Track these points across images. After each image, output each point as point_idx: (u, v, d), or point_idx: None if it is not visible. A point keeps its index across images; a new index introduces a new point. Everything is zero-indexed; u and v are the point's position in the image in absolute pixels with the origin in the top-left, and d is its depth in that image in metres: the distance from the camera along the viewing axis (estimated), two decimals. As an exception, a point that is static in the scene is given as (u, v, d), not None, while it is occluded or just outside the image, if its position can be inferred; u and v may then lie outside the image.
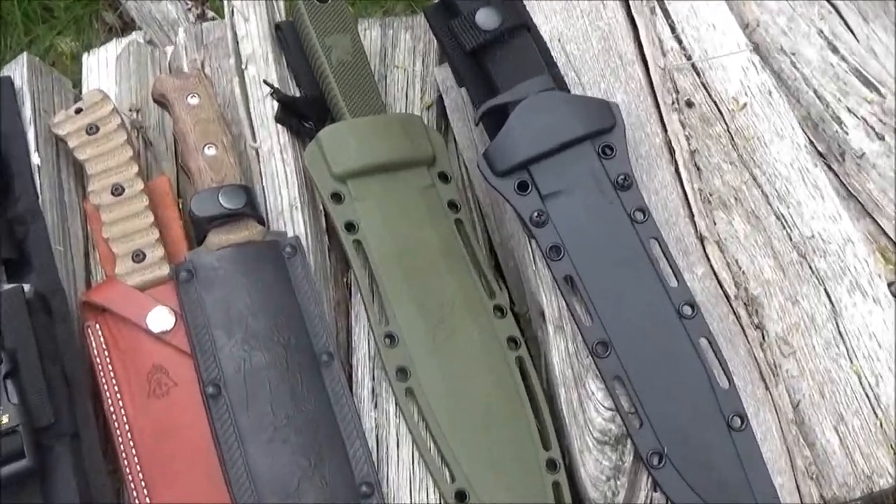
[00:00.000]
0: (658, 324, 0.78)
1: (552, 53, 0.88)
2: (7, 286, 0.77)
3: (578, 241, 0.79)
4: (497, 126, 0.82)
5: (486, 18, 0.81)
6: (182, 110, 0.87)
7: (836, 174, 1.04)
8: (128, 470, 0.75)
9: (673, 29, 1.03)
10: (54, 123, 0.87)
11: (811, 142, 1.05)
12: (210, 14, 2.22)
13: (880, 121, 1.07)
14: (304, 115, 0.89)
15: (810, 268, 0.91)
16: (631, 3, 0.92)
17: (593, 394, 0.78)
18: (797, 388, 0.86)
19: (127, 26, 2.25)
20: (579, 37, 0.91)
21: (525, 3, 0.89)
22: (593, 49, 0.90)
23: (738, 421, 0.76)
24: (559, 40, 0.90)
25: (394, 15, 0.99)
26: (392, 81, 0.98)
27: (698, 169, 0.90)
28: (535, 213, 0.80)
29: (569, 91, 0.87)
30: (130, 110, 0.95)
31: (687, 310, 0.79)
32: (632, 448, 0.76)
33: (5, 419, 0.69)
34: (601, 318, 0.78)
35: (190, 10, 2.21)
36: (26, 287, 0.77)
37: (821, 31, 1.14)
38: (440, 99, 0.95)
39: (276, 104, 0.89)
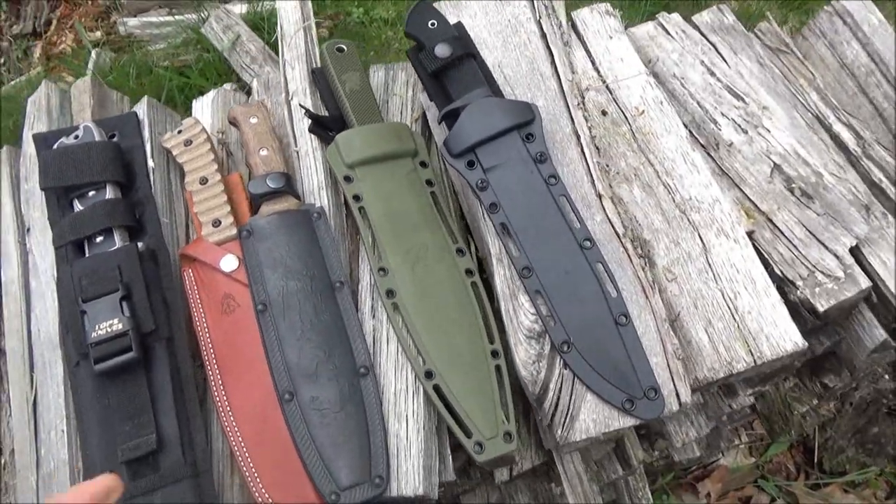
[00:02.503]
0: (566, 253, 0.77)
1: (494, 75, 0.88)
2: (127, 243, 0.80)
3: (509, 199, 0.79)
4: (453, 124, 0.83)
5: (441, 50, 0.82)
6: (246, 126, 0.90)
7: (713, 159, 1.01)
8: (207, 363, 0.77)
9: (593, 63, 1.03)
10: (163, 140, 0.90)
11: (695, 137, 1.03)
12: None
13: (745, 120, 1.04)
14: (328, 127, 0.90)
15: (688, 220, 0.89)
16: (548, 37, 0.92)
17: (522, 304, 0.77)
18: (678, 303, 0.84)
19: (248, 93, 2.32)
20: (513, 63, 0.91)
21: (475, 41, 0.90)
22: (523, 71, 0.90)
23: (624, 319, 0.75)
24: (499, 66, 0.90)
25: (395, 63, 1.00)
26: (393, 104, 0.99)
27: (598, 149, 0.89)
28: (479, 181, 0.80)
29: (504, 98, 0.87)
30: (218, 132, 0.98)
31: (587, 243, 0.78)
32: (548, 340, 0.75)
33: (120, 326, 0.72)
34: (525, 251, 0.78)
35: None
36: (139, 244, 0.80)
37: (702, 62, 1.12)
38: (424, 114, 0.96)
39: (309, 121, 0.91)
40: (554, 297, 0.75)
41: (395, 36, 2.46)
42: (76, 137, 0.86)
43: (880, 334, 0.91)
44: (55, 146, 0.86)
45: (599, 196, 0.82)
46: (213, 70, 2.35)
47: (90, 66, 2.33)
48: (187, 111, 2.25)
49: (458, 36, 0.84)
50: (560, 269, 0.76)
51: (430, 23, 0.84)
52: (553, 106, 0.87)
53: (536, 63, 0.90)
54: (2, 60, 2.57)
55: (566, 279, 0.76)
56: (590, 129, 0.87)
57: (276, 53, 2.32)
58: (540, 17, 0.91)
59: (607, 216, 0.81)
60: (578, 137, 0.85)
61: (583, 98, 0.91)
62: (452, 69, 0.83)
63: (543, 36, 0.91)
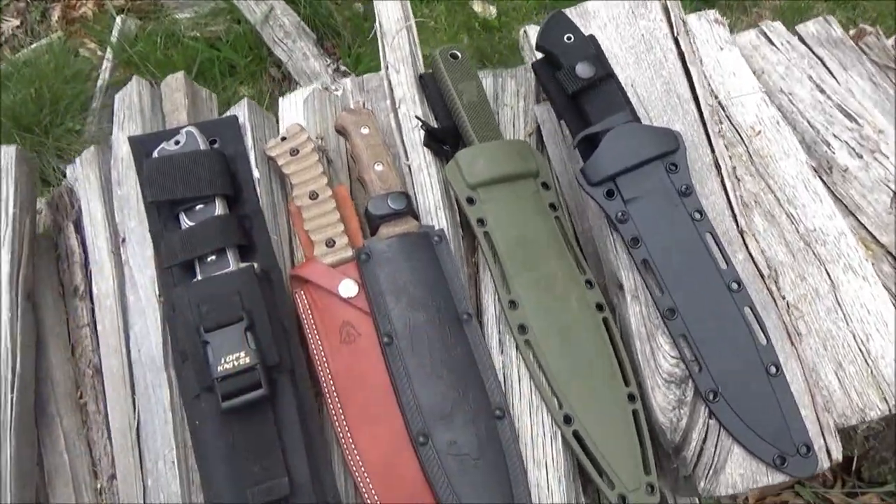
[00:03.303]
0: (713, 295, 0.73)
1: (627, 94, 0.82)
2: (242, 265, 0.75)
3: (652, 234, 0.74)
4: (587, 149, 0.77)
5: (583, 70, 0.76)
6: (357, 138, 0.84)
7: (825, 184, 0.97)
8: (327, 394, 0.72)
9: (704, 76, 0.97)
10: (267, 148, 0.84)
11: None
12: (343, 68, 2.19)
13: (859, 144, 0.99)
14: (443, 141, 0.85)
15: (814, 253, 0.85)
16: (685, 56, 0.86)
17: (661, 346, 0.73)
18: (807, 343, 0.80)
19: (286, 78, 2.23)
20: (647, 83, 0.85)
21: (607, 57, 0.84)
22: (658, 91, 0.84)
23: (774, 369, 0.71)
24: (632, 85, 0.84)
25: (503, 69, 0.94)
26: (503, 115, 0.93)
27: (738, 180, 0.84)
28: (619, 213, 0.75)
29: (641, 123, 0.81)
30: (317, 137, 0.92)
31: (735, 286, 0.74)
32: (692, 387, 0.71)
33: (248, 360, 0.67)
34: (670, 291, 0.73)
35: (329, 66, 2.19)
36: (255, 265, 0.75)
37: (810, 77, 1.06)
38: (538, 129, 0.90)
39: (423, 133, 0.85)
40: (700, 342, 0.71)
41: (430, 14, 2.37)
42: (177, 143, 0.80)
43: None
44: (156, 153, 0.79)
45: (742, 233, 0.78)
46: (245, 43, 2.26)
47: (115, 33, 2.23)
48: (223, 89, 2.16)
49: (599, 54, 0.78)
50: (707, 313, 0.72)
51: (566, 37, 0.78)
52: (692, 132, 0.82)
53: (673, 84, 0.84)
54: (19, 22, 2.45)
55: (714, 324, 0.72)
56: (730, 158, 0.82)
57: (311, 28, 2.22)
58: (678, 33, 0.85)
59: (750, 255, 0.77)
60: (719, 168, 0.80)
61: (722, 124, 0.85)
62: (592, 90, 0.77)
63: (681, 54, 0.85)
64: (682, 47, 0.85)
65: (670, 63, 0.85)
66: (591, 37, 0.80)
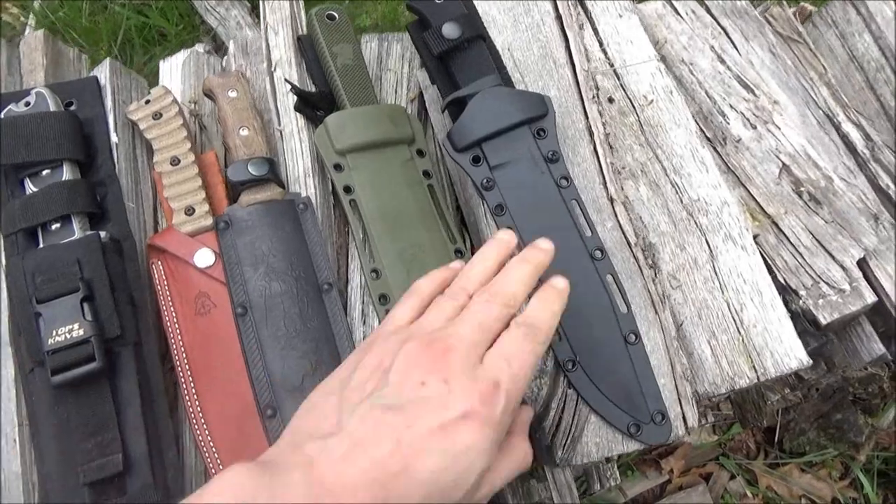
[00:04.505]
0: (575, 263, 0.71)
1: (503, 59, 0.80)
2: (88, 233, 0.71)
3: (517, 201, 0.72)
4: (458, 113, 0.74)
5: (449, 30, 0.73)
6: (224, 101, 0.80)
7: (719, 154, 0.96)
8: (179, 369, 0.70)
9: (601, 44, 0.94)
10: (129, 111, 0.80)
11: (702, 130, 0.97)
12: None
13: (754, 114, 0.98)
14: (316, 106, 0.81)
15: (695, 223, 0.84)
16: (564, 21, 0.83)
17: (526, 316, 0.71)
18: (682, 312, 0.79)
19: (219, 48, 2.15)
20: (524, 46, 0.82)
21: (483, 20, 0.81)
22: (534, 56, 0.82)
23: (633, 337, 0.70)
24: (508, 49, 0.81)
25: (390, 33, 0.90)
26: (386, 81, 0.89)
27: (611, 147, 0.82)
28: (485, 180, 0.73)
29: (514, 88, 0.79)
30: (190, 101, 0.88)
31: (598, 253, 0.72)
32: (552, 356, 0.70)
33: (81, 332, 0.64)
34: (532, 259, 0.71)
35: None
36: (102, 234, 0.71)
37: (712, 47, 1.05)
38: (421, 94, 0.87)
39: (295, 97, 0.81)
40: (561, 311, 0.69)
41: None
42: (27, 105, 0.75)
43: (878, 348, 0.89)
44: (2, 115, 0.74)
45: (611, 200, 0.76)
46: (175, 10, 2.17)
47: (38, -2, 2.12)
48: (149, 58, 2.08)
49: (468, 14, 0.75)
50: (569, 281, 0.70)
51: (436, -3, 0.75)
52: (566, 97, 0.80)
53: (550, 48, 0.81)
54: (-61, -16, 2.33)
55: (575, 292, 0.69)
56: (604, 125, 0.80)
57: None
58: (555, -4, 0.83)
59: (619, 223, 0.75)
60: (592, 134, 0.78)
61: (597, 90, 0.83)
62: (460, 52, 0.74)
63: (559, 18, 0.82)
64: (560, 10, 0.82)
65: (547, 27, 0.82)
66: (467, -2, 0.77)
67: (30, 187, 0.72)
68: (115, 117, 0.80)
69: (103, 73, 0.83)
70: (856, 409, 1.51)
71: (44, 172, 0.72)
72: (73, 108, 0.78)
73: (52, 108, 0.75)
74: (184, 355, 0.70)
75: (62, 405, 0.63)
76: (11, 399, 0.69)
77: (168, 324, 0.71)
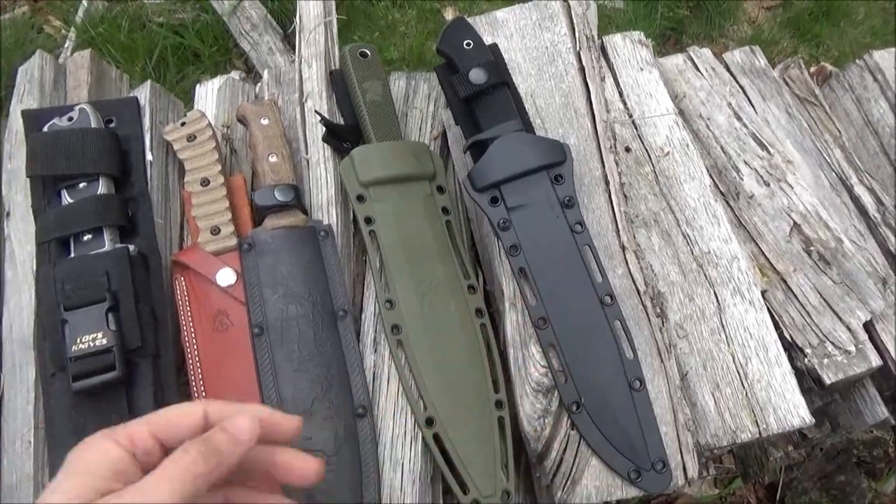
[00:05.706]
0: (585, 307, 0.73)
1: (525, 105, 0.83)
2: (118, 246, 0.74)
3: (531, 243, 0.75)
4: (479, 155, 0.77)
5: (476, 76, 0.76)
6: (255, 127, 0.83)
7: (732, 209, 0.98)
8: (193, 383, 0.71)
9: (621, 95, 0.98)
10: (165, 131, 0.83)
11: (716, 184, 1.00)
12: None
13: (768, 172, 1.01)
14: (343, 138, 0.85)
15: (705, 275, 0.86)
16: (586, 72, 0.87)
17: (533, 355, 0.73)
18: (687, 362, 0.81)
19: (250, 70, 2.22)
20: (546, 94, 0.85)
21: (508, 66, 0.84)
22: (556, 104, 0.85)
23: (638, 383, 0.71)
24: (531, 96, 0.85)
25: (416, 71, 0.94)
26: (411, 118, 0.93)
27: (626, 196, 0.84)
28: (502, 220, 0.75)
29: (535, 133, 0.82)
30: (223, 126, 0.91)
31: (607, 299, 0.74)
32: (558, 397, 0.71)
33: (104, 341, 0.66)
34: (543, 300, 0.73)
35: (293, 61, 2.18)
36: (131, 247, 0.74)
37: (730, 104, 1.08)
38: (444, 133, 0.91)
39: (323, 129, 0.84)
40: (568, 353, 0.71)
41: (401, 18, 2.38)
42: (70, 120, 0.79)
43: (882, 412, 0.90)
44: (46, 128, 0.78)
45: (623, 248, 0.78)
46: (210, 33, 2.24)
47: (80, 13, 2.21)
48: (182, 77, 2.15)
49: (495, 62, 0.78)
50: (577, 324, 0.72)
51: (465, 42, 0.78)
52: (585, 146, 0.83)
53: (572, 98, 0.84)
54: (-12, -5, 2.42)
55: (583, 336, 0.72)
56: (620, 174, 0.83)
57: (278, 24, 2.22)
58: (580, 48, 0.86)
59: (629, 270, 0.77)
60: (608, 183, 0.81)
61: (615, 139, 0.86)
62: (484, 96, 0.77)
63: (582, 70, 0.86)
64: (584, 62, 0.86)
65: (570, 77, 0.86)
66: (494, 45, 0.81)
67: (66, 198, 0.75)
68: (151, 137, 0.84)
69: (143, 93, 0.87)
70: (860, 472, 1.50)
71: (81, 185, 0.76)
72: (112, 125, 0.82)
73: (94, 124, 0.79)
74: (199, 370, 0.72)
75: (79, 411, 0.65)
76: (30, 401, 0.72)
77: (186, 338, 0.73)
